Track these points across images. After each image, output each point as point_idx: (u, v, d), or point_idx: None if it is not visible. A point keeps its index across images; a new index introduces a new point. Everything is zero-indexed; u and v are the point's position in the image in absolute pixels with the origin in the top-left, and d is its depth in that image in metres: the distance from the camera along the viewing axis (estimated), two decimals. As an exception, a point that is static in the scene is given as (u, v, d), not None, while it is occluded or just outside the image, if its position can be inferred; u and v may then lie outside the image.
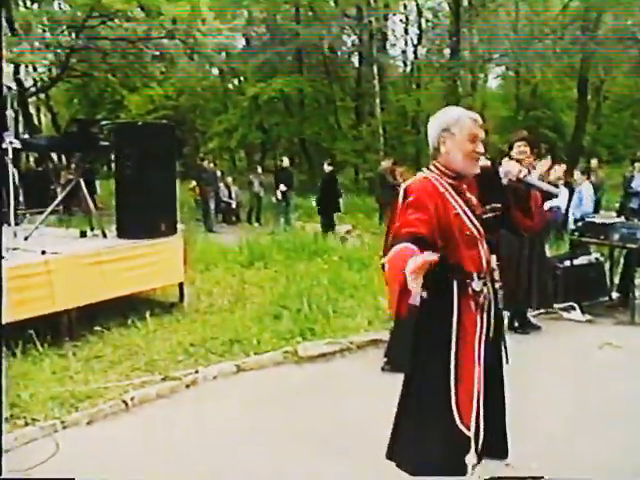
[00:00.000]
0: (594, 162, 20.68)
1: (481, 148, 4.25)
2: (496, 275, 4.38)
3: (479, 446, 4.20)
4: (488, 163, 4.43)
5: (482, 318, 4.27)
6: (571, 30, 36.62)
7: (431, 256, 3.41)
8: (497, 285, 4.40)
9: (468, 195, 4.28)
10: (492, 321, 4.34)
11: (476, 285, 4.21)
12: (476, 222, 4.24)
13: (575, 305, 10.79)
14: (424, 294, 4.09)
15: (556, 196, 4.62)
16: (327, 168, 22.19)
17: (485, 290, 4.28)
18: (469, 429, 4.13)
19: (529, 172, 4.46)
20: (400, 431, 4.42)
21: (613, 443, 5.96)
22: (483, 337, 4.26)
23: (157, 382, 7.46)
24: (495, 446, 4.40)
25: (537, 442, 5.83)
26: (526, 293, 9.87)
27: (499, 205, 4.43)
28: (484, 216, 4.33)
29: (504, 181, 4.34)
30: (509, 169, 4.38)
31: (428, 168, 4.36)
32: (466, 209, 4.22)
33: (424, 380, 4.28)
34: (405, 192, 4.17)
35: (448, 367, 4.15)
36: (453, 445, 4.14)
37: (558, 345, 9.19)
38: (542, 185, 4.51)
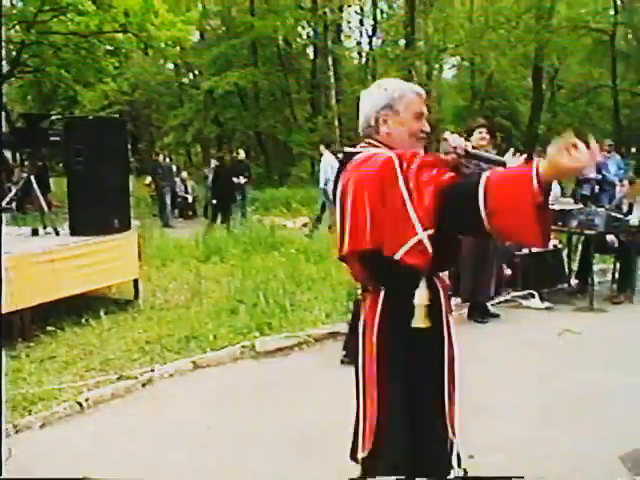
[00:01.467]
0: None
1: (427, 127, 3.75)
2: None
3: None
4: None
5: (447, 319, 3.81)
6: (525, 19, 36.89)
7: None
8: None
9: None
10: None
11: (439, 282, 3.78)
12: None
13: (534, 292, 10.82)
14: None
15: (504, 164, 4.27)
16: (213, 163, 23.07)
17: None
18: (454, 434, 3.80)
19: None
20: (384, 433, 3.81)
21: (575, 431, 5.95)
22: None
23: (112, 382, 7.33)
24: None
25: (500, 432, 5.81)
26: (487, 283, 9.90)
27: None
28: None
29: (449, 156, 3.70)
30: (453, 141, 3.73)
31: (370, 145, 3.75)
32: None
33: (414, 385, 3.72)
34: (402, 158, 3.43)
35: (441, 371, 3.73)
36: (444, 449, 3.78)
37: (518, 333, 9.19)
38: (489, 156, 4.06)
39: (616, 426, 6.06)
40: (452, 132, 3.87)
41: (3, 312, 7.91)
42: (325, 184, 18.93)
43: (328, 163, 18.89)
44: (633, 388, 6.93)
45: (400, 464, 3.69)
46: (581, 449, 5.57)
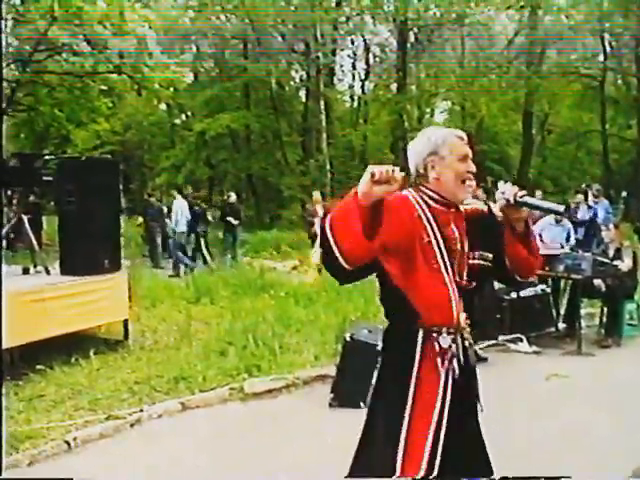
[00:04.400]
0: (538, 194, 20.86)
1: (473, 167, 3.86)
2: (467, 333, 4.04)
3: None
4: (485, 207, 4.06)
5: (447, 380, 3.75)
6: (516, 65, 37.18)
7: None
8: (467, 343, 3.91)
9: (452, 228, 3.82)
10: (459, 381, 3.81)
11: (444, 341, 3.74)
12: (449, 262, 3.76)
13: (522, 336, 10.84)
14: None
15: (561, 213, 4.32)
16: None
17: (454, 347, 3.78)
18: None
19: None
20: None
21: (562, 473, 5.95)
22: (447, 402, 3.73)
23: (101, 421, 7.35)
24: None
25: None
26: (475, 327, 9.93)
27: (490, 255, 3.95)
28: (470, 261, 3.89)
29: (500, 203, 3.88)
30: (505, 189, 3.87)
31: (413, 189, 3.88)
32: (441, 242, 3.73)
33: (374, 437, 3.83)
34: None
35: (398, 432, 3.69)
36: None
37: (505, 377, 9.19)
38: (544, 204, 4.10)
39: (612, 460, 6.18)
40: (506, 182, 3.98)
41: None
42: (175, 225, 20.77)
43: (179, 206, 20.76)
44: (621, 427, 7.00)
45: None
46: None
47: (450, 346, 3.76)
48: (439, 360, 3.73)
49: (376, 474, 3.79)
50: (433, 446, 3.68)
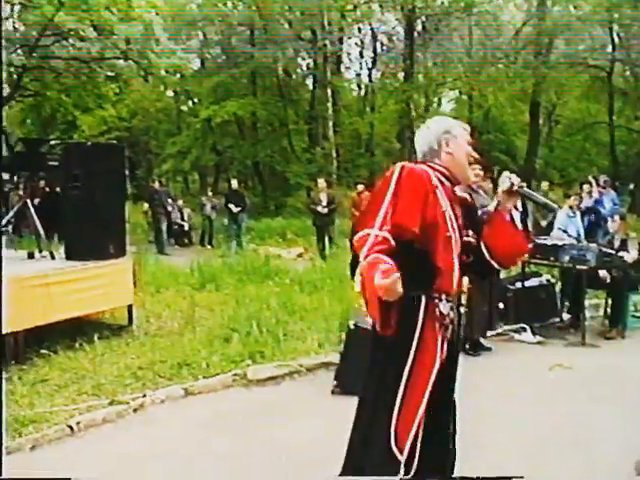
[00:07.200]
0: (544, 184, 20.82)
1: (475, 154, 4.35)
2: (463, 299, 4.23)
3: (411, 471, 3.95)
4: (469, 198, 4.44)
5: (443, 344, 4.00)
6: (524, 55, 37.11)
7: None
8: (462, 310, 4.22)
9: (456, 206, 4.16)
10: (454, 348, 4.14)
11: (444, 307, 4.01)
12: (457, 231, 4.10)
13: (526, 326, 10.84)
14: None
15: (553, 210, 4.57)
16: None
17: (452, 314, 4.07)
18: (402, 453, 3.91)
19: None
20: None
21: (564, 465, 5.96)
22: (439, 364, 3.97)
23: (104, 406, 7.34)
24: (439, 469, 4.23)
25: (490, 464, 5.81)
26: (485, 317, 9.93)
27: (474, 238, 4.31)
28: (464, 238, 4.19)
29: (505, 186, 4.26)
30: (511, 176, 4.29)
31: (426, 165, 4.20)
32: (451, 213, 4.06)
33: (372, 396, 4.16)
34: (401, 172, 3.98)
35: (397, 388, 3.93)
36: (384, 466, 3.97)
37: (509, 367, 9.20)
38: (540, 198, 4.46)
39: (614, 452, 6.16)
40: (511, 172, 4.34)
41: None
42: None
43: None
44: (624, 419, 7.01)
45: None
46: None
47: (449, 313, 4.04)
48: (437, 324, 3.98)
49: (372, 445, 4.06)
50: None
